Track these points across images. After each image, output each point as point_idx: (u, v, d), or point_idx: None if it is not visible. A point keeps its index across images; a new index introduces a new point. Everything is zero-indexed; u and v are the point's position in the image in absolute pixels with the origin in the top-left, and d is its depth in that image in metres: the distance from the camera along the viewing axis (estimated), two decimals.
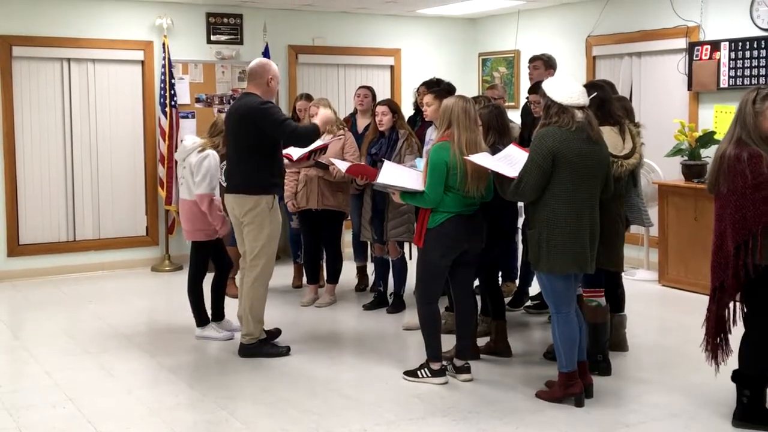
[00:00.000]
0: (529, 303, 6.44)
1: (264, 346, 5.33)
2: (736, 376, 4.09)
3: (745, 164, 3.82)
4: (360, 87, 7.19)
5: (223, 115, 5.66)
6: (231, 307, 5.80)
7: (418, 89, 7.16)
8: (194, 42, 8.40)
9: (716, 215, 4.01)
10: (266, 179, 5.19)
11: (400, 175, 4.78)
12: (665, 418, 4.28)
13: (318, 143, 5.75)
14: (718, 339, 4.07)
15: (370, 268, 6.90)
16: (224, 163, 5.66)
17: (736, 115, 3.98)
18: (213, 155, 5.52)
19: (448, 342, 4.93)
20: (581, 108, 4.25)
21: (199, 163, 5.49)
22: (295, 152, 5.89)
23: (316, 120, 5.35)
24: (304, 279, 6.91)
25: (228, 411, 4.39)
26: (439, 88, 6.07)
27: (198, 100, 8.42)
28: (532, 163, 4.22)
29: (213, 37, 8.48)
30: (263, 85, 5.23)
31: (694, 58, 7.34)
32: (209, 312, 5.77)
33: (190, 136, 6.03)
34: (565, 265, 4.26)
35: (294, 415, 4.32)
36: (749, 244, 3.85)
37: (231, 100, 8.30)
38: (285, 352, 5.33)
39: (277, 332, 5.58)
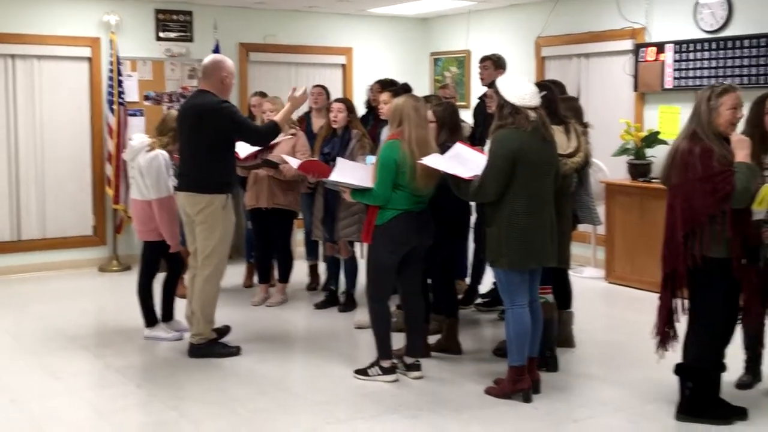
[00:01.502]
0: (479, 300, 6.50)
1: (214, 346, 5.29)
2: (679, 369, 4.18)
3: (696, 158, 3.92)
4: (314, 86, 7.18)
5: (173, 112, 5.61)
6: (180, 307, 5.75)
7: (371, 86, 7.20)
8: (143, 39, 8.29)
9: (668, 206, 4.13)
10: (220, 178, 5.16)
11: (351, 173, 4.78)
12: (612, 412, 4.36)
13: None
14: (667, 327, 4.18)
15: (322, 267, 6.89)
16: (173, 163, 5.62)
17: (692, 112, 4.09)
18: (162, 155, 5.46)
19: (398, 340, 4.95)
20: (534, 108, 4.32)
21: (149, 164, 5.42)
22: (242, 151, 5.85)
23: (277, 116, 5.33)
24: (255, 278, 6.87)
25: (178, 412, 4.35)
26: (396, 87, 6.09)
27: (147, 98, 8.31)
28: (494, 165, 4.28)
29: (162, 34, 8.39)
30: (217, 83, 5.19)
31: (640, 60, 7.48)
32: (158, 312, 5.70)
33: (138, 134, 5.95)
34: (524, 260, 4.34)
35: (244, 415, 4.30)
36: (696, 233, 3.95)
37: (181, 98, 8.22)
38: (235, 351, 5.29)
39: (226, 329, 5.54)
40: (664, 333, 4.19)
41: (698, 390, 4.13)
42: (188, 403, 4.49)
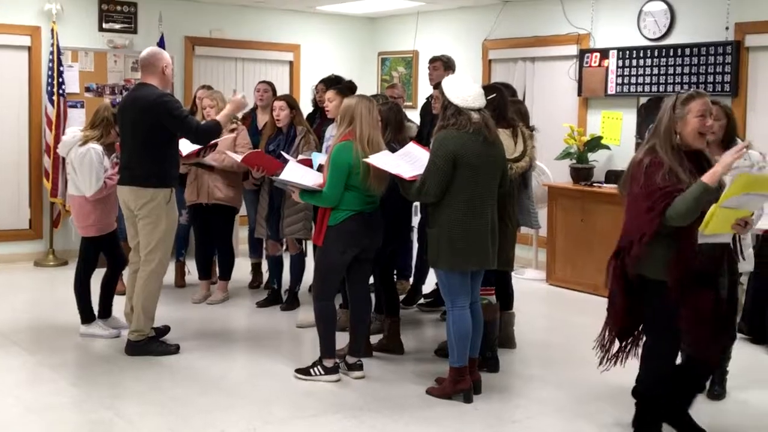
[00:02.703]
0: (422, 301, 6.52)
1: (152, 343, 5.20)
2: (634, 392, 3.97)
3: (642, 170, 3.63)
4: (260, 82, 7.11)
5: (106, 102, 5.52)
6: (118, 304, 5.64)
7: (316, 86, 7.16)
8: (85, 29, 8.11)
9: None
10: (163, 172, 5.09)
11: (302, 174, 4.75)
12: (551, 413, 4.41)
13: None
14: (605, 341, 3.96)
15: (265, 265, 6.82)
16: (114, 155, 5.51)
17: (655, 123, 3.78)
18: (94, 150, 5.34)
19: (341, 339, 4.93)
20: (477, 110, 4.33)
21: (80, 160, 5.32)
22: (185, 148, 5.77)
23: (219, 116, 5.27)
24: (188, 277, 6.75)
25: (113, 411, 4.26)
26: (340, 85, 6.06)
27: (88, 90, 8.13)
28: (434, 166, 4.28)
29: (105, 25, 8.22)
30: (158, 75, 5.12)
31: (584, 65, 7.59)
32: (96, 309, 5.58)
33: (71, 128, 5.84)
34: (465, 262, 4.35)
35: (182, 414, 4.23)
36: (627, 250, 3.68)
37: (123, 91, 8.06)
38: (174, 350, 5.21)
39: (165, 329, 5.46)
40: (603, 347, 3.97)
41: (640, 411, 3.93)
42: (124, 402, 4.40)
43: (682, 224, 3.56)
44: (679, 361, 4.05)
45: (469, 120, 4.30)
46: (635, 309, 3.83)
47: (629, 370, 5.12)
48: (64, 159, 6.01)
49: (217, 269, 6.66)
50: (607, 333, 3.98)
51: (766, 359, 5.41)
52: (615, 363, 3.97)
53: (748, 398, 4.63)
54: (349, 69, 8.92)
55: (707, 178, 3.51)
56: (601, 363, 3.99)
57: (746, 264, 4.42)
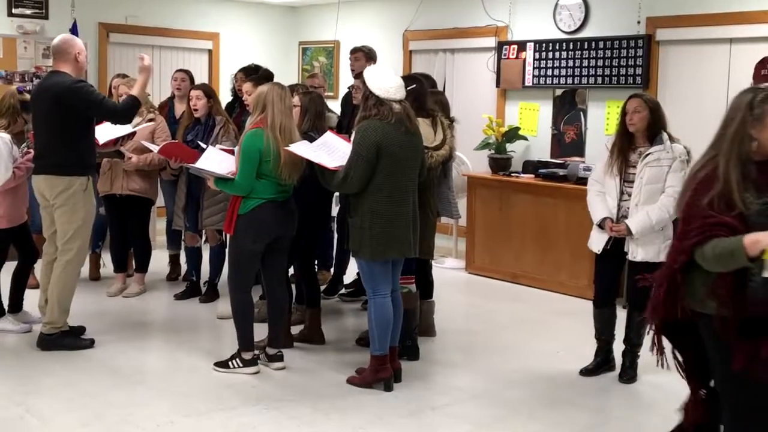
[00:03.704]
0: (343, 291, 6.52)
1: (66, 337, 5.06)
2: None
3: (693, 184, 2.88)
4: (177, 70, 6.97)
5: (12, 89, 5.35)
6: (29, 298, 5.47)
7: (235, 75, 7.07)
8: None
9: None
10: (80, 160, 4.98)
11: (217, 161, 4.70)
12: (469, 399, 4.47)
13: (127, 130, 5.55)
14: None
15: (184, 256, 6.71)
16: (25, 144, 5.35)
17: (721, 125, 2.90)
18: (1, 139, 5.15)
19: (262, 331, 4.89)
20: (398, 101, 4.36)
21: None
22: (101, 137, 5.63)
23: (133, 90, 5.15)
24: (103, 270, 6.59)
25: (24, 407, 4.13)
26: (257, 75, 5.98)
27: None
28: (358, 156, 4.28)
29: (15, 10, 7.94)
30: (72, 62, 5.00)
31: (503, 57, 7.70)
32: (5, 303, 5.40)
33: None
34: (387, 251, 4.37)
35: (96, 410, 4.13)
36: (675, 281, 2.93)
37: (34, 78, 7.81)
38: (89, 344, 5.08)
39: (80, 329, 5.30)
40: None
41: None
42: (35, 398, 4.27)
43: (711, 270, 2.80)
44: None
45: (391, 110, 4.33)
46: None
47: (540, 356, 5.26)
48: None
49: (134, 262, 6.52)
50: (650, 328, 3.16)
51: None
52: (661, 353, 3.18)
53: (659, 381, 4.79)
54: (270, 58, 8.84)
55: (748, 241, 2.65)
56: (659, 364, 3.21)
57: None
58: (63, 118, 4.90)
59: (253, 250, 4.60)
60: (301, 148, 4.48)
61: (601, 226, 4.67)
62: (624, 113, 4.62)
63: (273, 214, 4.58)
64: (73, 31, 7.67)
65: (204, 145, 5.39)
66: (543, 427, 4.10)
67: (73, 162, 4.95)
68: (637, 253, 4.60)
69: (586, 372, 4.79)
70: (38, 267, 5.40)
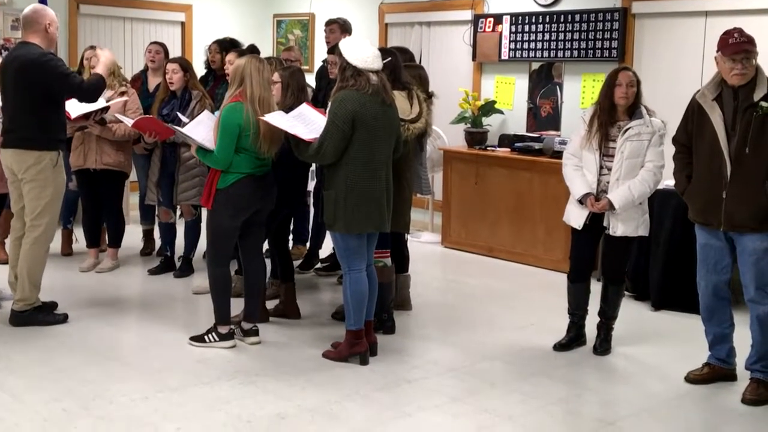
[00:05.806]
0: (319, 265, 6.50)
1: (38, 313, 5.01)
2: None
3: None
4: (151, 43, 6.86)
5: None
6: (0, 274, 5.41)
7: (209, 47, 6.97)
8: None
9: None
10: (49, 134, 4.91)
11: (206, 130, 4.65)
12: (444, 372, 4.48)
13: (100, 104, 5.47)
14: None
15: (158, 231, 6.65)
16: None
17: None
18: None
19: (237, 306, 4.87)
20: (375, 72, 4.32)
21: None
22: (73, 110, 5.54)
23: (98, 69, 5.06)
24: (75, 245, 6.51)
25: None
26: (242, 48, 5.91)
27: None
28: (334, 126, 4.24)
29: None
30: (41, 32, 4.90)
31: (479, 30, 7.66)
32: None
33: None
34: (362, 224, 4.35)
35: (69, 386, 4.10)
36: None
37: (3, 50, 7.64)
38: (62, 319, 5.04)
39: (53, 305, 5.24)
40: None
41: None
42: (7, 375, 4.22)
43: None
44: None
45: (368, 81, 4.29)
46: None
47: (514, 329, 5.28)
48: None
49: (107, 237, 6.45)
50: None
51: (648, 315, 5.66)
52: None
53: (633, 353, 4.83)
54: (244, 31, 8.72)
55: None
56: None
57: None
58: (30, 91, 4.82)
59: (231, 225, 4.56)
60: (276, 118, 4.43)
61: (581, 201, 4.65)
62: (613, 85, 4.53)
63: (252, 188, 4.54)
64: (43, 1, 7.51)
65: (185, 118, 5.32)
66: (519, 399, 4.12)
67: (41, 136, 4.87)
68: (617, 227, 4.60)
69: (559, 347, 4.82)
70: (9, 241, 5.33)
